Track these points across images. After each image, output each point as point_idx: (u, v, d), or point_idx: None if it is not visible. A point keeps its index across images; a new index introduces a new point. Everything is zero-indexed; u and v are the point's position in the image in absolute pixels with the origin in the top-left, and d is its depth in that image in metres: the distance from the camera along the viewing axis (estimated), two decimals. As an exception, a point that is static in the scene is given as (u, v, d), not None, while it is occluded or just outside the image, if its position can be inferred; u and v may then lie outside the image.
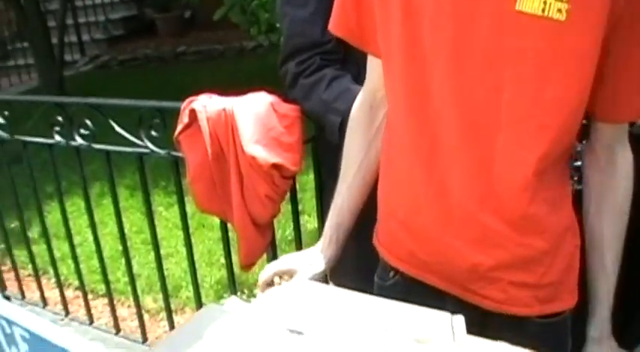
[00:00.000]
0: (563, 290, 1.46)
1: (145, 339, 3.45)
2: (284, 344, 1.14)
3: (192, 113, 2.24)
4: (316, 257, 1.69)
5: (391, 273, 1.59)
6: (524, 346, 1.16)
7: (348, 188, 1.66)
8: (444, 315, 1.19)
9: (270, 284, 1.69)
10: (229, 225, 2.62)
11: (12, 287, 4.18)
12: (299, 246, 2.64)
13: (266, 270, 1.69)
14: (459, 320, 1.17)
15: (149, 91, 3.01)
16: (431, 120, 1.37)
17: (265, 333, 1.18)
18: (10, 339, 1.94)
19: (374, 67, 1.56)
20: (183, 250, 3.10)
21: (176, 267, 4.35)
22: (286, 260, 1.72)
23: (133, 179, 4.88)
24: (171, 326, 3.34)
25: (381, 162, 1.58)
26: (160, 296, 3.44)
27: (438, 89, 1.34)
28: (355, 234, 1.70)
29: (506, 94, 1.30)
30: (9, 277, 4.20)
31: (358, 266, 1.78)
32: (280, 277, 1.69)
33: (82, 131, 3.00)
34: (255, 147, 2.15)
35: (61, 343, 1.76)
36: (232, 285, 2.93)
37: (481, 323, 1.34)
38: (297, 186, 2.58)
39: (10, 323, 1.91)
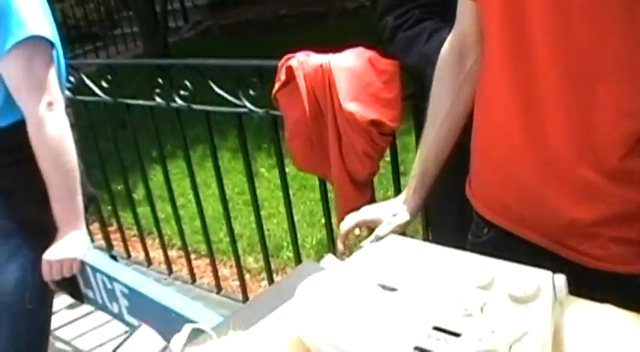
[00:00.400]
0: None
1: (245, 298, 3.48)
2: (377, 301, 1.11)
3: (290, 70, 2.22)
4: (400, 207, 1.64)
5: (485, 229, 1.53)
6: (627, 307, 1.10)
7: (435, 137, 1.60)
8: (545, 274, 1.12)
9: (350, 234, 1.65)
10: (329, 186, 2.60)
11: (118, 247, 4.30)
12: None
13: (347, 220, 1.65)
14: (561, 279, 1.10)
15: (252, 56, 2.99)
16: (529, 65, 1.30)
17: (358, 290, 1.15)
18: (111, 295, 1.98)
19: (465, 9, 1.49)
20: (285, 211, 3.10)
21: (277, 228, 4.37)
22: (369, 210, 1.66)
23: (235, 142, 4.91)
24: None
25: (475, 109, 1.51)
26: (261, 256, 3.46)
27: (539, 32, 1.26)
28: (457, 195, 1.65)
29: (611, 40, 1.22)
30: (115, 237, 4.31)
31: (458, 229, 1.73)
32: (360, 228, 1.64)
33: (182, 92, 3.02)
34: (353, 103, 2.11)
35: (160, 299, 1.78)
36: (331, 245, 2.91)
37: (579, 281, 1.25)
38: (399, 147, 2.53)
39: (110, 279, 1.95)
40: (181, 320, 1.70)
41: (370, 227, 1.66)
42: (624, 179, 1.29)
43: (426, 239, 2.54)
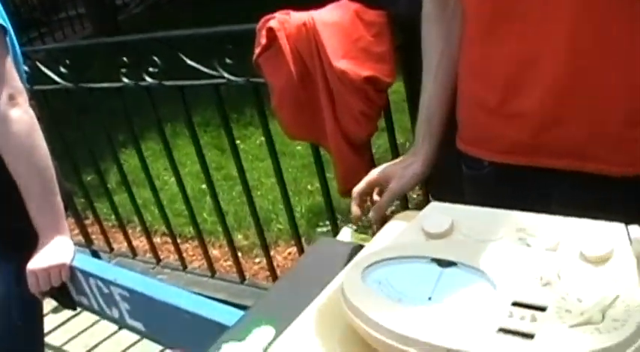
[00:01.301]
0: None
1: (242, 279, 3.35)
2: (437, 279, 0.97)
3: (270, 32, 2.09)
4: (410, 159, 1.54)
5: (485, 162, 1.46)
6: None
7: (434, 79, 1.53)
8: (616, 227, 0.99)
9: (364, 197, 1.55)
10: (322, 150, 2.47)
11: (98, 240, 4.12)
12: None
13: (360, 184, 1.54)
14: (637, 231, 0.97)
15: (208, 26, 2.83)
16: None
17: (411, 269, 1.01)
18: (109, 299, 1.83)
19: None
20: (268, 182, 2.97)
21: (262, 200, 4.20)
22: (379, 169, 1.56)
23: (204, 116, 4.75)
24: (269, 262, 3.23)
25: (461, 52, 1.46)
26: (250, 232, 3.32)
27: None
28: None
29: None
30: (93, 231, 4.14)
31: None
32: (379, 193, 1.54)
33: (151, 69, 2.84)
34: (344, 60, 2.01)
35: (165, 298, 1.66)
36: (330, 212, 2.78)
37: (605, 200, 1.22)
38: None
39: (106, 282, 1.80)
40: (191, 317, 1.59)
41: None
42: None
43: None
